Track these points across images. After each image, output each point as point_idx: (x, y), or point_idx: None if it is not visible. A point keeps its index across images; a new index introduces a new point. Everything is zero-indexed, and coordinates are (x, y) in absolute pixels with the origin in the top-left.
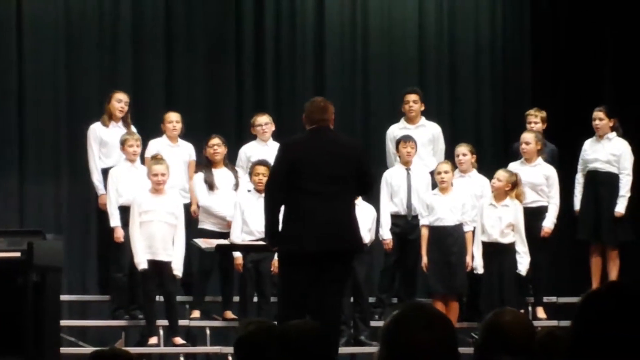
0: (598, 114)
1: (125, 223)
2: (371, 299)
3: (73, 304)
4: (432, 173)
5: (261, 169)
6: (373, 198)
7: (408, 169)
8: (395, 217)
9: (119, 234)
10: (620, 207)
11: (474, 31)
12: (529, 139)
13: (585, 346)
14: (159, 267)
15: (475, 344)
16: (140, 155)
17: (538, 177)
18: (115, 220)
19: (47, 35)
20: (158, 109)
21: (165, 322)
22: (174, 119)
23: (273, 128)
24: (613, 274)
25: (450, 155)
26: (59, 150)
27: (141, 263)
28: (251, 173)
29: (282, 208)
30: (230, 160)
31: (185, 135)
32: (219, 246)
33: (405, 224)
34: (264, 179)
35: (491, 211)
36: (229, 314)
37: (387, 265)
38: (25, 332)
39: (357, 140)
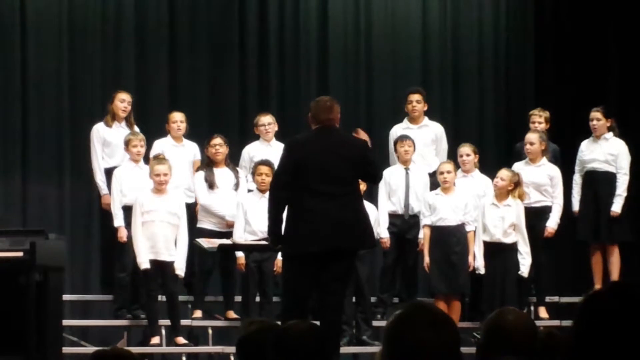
0: (595, 114)
1: (128, 223)
2: (372, 299)
3: (75, 304)
4: (434, 173)
5: (264, 169)
6: (373, 197)
7: (407, 169)
8: (392, 216)
9: (123, 234)
10: (617, 207)
11: (477, 32)
12: (533, 139)
13: (586, 347)
14: (161, 267)
15: (478, 344)
16: (145, 155)
17: (542, 177)
18: (118, 220)
19: (51, 35)
20: (162, 109)
21: (167, 322)
22: (178, 119)
23: (276, 128)
24: (614, 273)
25: (453, 155)
26: (62, 150)
27: (143, 263)
28: (254, 173)
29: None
30: (233, 160)
31: (189, 135)
32: (221, 246)
33: (402, 223)
34: (267, 179)
35: (493, 211)
36: (231, 314)
37: (387, 264)
38: (28, 332)
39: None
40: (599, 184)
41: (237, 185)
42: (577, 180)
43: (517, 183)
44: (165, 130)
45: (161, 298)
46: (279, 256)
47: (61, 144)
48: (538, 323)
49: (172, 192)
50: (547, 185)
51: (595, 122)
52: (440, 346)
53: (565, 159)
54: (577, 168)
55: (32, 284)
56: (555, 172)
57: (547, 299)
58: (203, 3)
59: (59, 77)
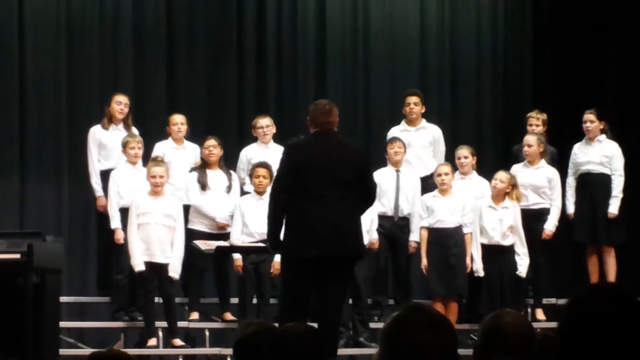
0: (589, 116)
1: (126, 225)
2: (368, 301)
3: (72, 306)
4: (432, 175)
5: (261, 171)
6: None
7: (397, 170)
8: (382, 218)
9: (120, 236)
10: (613, 208)
11: (475, 33)
12: (531, 142)
13: (572, 348)
14: (157, 269)
15: (475, 346)
16: (143, 158)
17: (540, 180)
18: (115, 222)
19: (49, 36)
20: (160, 111)
21: (164, 324)
22: (178, 121)
23: (274, 130)
24: (611, 274)
25: (450, 157)
26: (60, 152)
27: (137, 265)
28: (251, 175)
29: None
30: (231, 162)
31: (188, 136)
32: (219, 248)
33: (391, 225)
34: (264, 181)
35: (491, 213)
36: (228, 316)
37: (379, 266)
38: (25, 334)
39: (361, 144)
40: (594, 186)
41: (229, 188)
42: (570, 183)
43: (513, 185)
44: (166, 132)
45: (158, 300)
46: (276, 258)
47: (59, 145)
48: (535, 325)
49: (169, 194)
50: (546, 187)
51: (588, 124)
52: (438, 348)
53: (562, 161)
54: (570, 171)
55: (29, 286)
56: (554, 174)
57: (545, 300)
58: (201, 4)
59: (56, 78)
